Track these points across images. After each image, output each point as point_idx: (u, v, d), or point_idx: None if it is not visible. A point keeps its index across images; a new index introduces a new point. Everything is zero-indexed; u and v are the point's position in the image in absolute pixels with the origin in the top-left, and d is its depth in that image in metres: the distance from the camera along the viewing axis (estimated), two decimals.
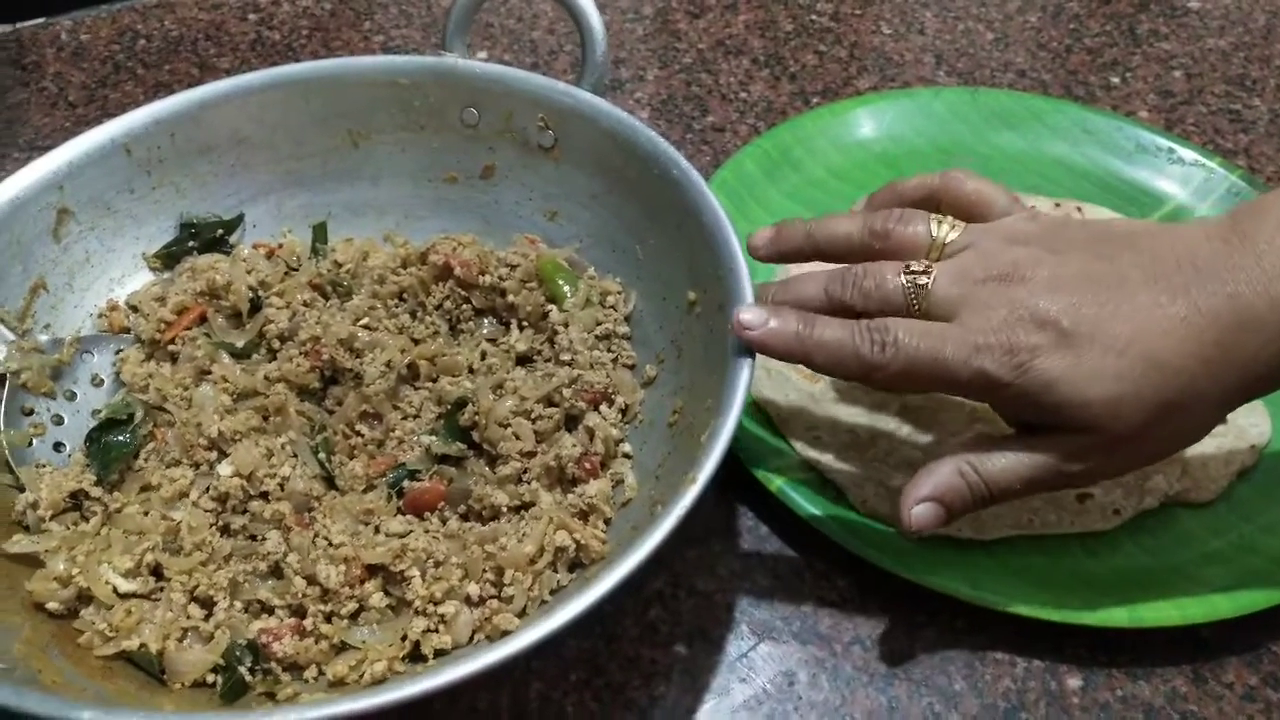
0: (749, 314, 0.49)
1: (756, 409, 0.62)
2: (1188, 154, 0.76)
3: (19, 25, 0.90)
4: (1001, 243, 0.49)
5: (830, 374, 0.51)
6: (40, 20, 0.91)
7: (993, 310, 0.46)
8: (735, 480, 0.59)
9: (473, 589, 0.49)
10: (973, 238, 0.50)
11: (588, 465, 0.53)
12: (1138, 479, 0.58)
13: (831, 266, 0.53)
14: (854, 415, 0.61)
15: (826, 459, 0.59)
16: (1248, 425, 0.61)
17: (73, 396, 0.58)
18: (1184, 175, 0.76)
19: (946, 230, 0.51)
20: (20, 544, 0.50)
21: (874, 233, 0.52)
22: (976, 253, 0.49)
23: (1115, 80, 0.88)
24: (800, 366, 0.61)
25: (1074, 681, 0.53)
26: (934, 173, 0.55)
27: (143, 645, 0.47)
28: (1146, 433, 0.46)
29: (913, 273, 0.49)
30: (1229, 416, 0.61)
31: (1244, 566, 0.55)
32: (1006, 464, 0.48)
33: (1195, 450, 0.60)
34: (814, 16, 0.93)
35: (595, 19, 0.62)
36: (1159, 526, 0.58)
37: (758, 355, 0.49)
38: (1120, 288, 0.46)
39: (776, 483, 0.57)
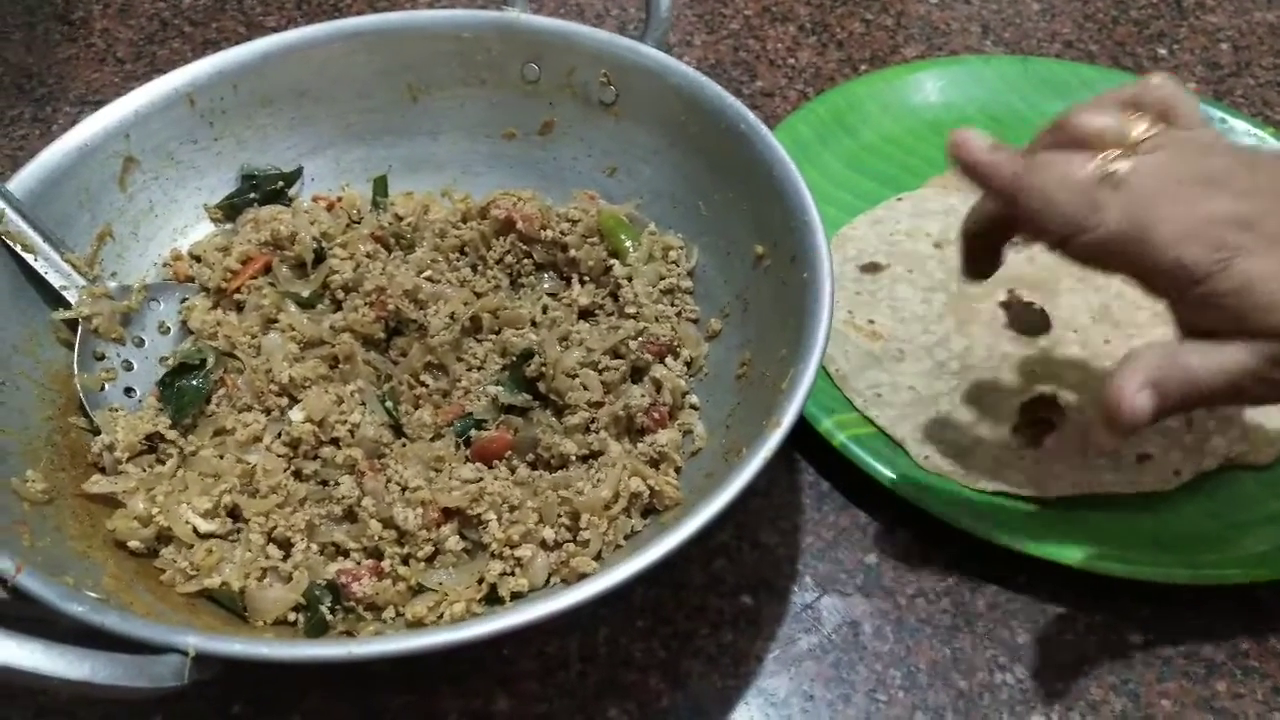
0: (971, 137, 0.48)
1: None
2: (1239, 124, 0.76)
3: None
4: (1198, 151, 0.47)
5: (1032, 225, 0.48)
6: None
7: (1195, 207, 0.45)
8: (797, 437, 0.59)
9: (548, 533, 0.49)
10: (1168, 141, 0.47)
11: (656, 415, 0.54)
12: (1197, 440, 0.59)
13: None
14: (915, 374, 0.61)
15: (888, 416, 0.59)
16: None
17: (141, 343, 0.58)
18: None
19: (1143, 128, 0.48)
20: (100, 484, 0.50)
21: (1059, 123, 0.49)
22: (1174, 154, 0.47)
23: (1162, 52, 0.88)
24: (860, 325, 0.62)
25: (1136, 637, 0.54)
26: (1139, 79, 0.51)
27: (224, 584, 0.48)
28: None
29: (1105, 159, 0.46)
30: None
31: None
32: (1214, 361, 0.45)
33: (1253, 414, 0.60)
34: None
35: None
36: (1218, 488, 0.58)
37: (833, 307, 0.49)
38: None
39: (839, 438, 0.57)
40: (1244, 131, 0.76)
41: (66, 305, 0.55)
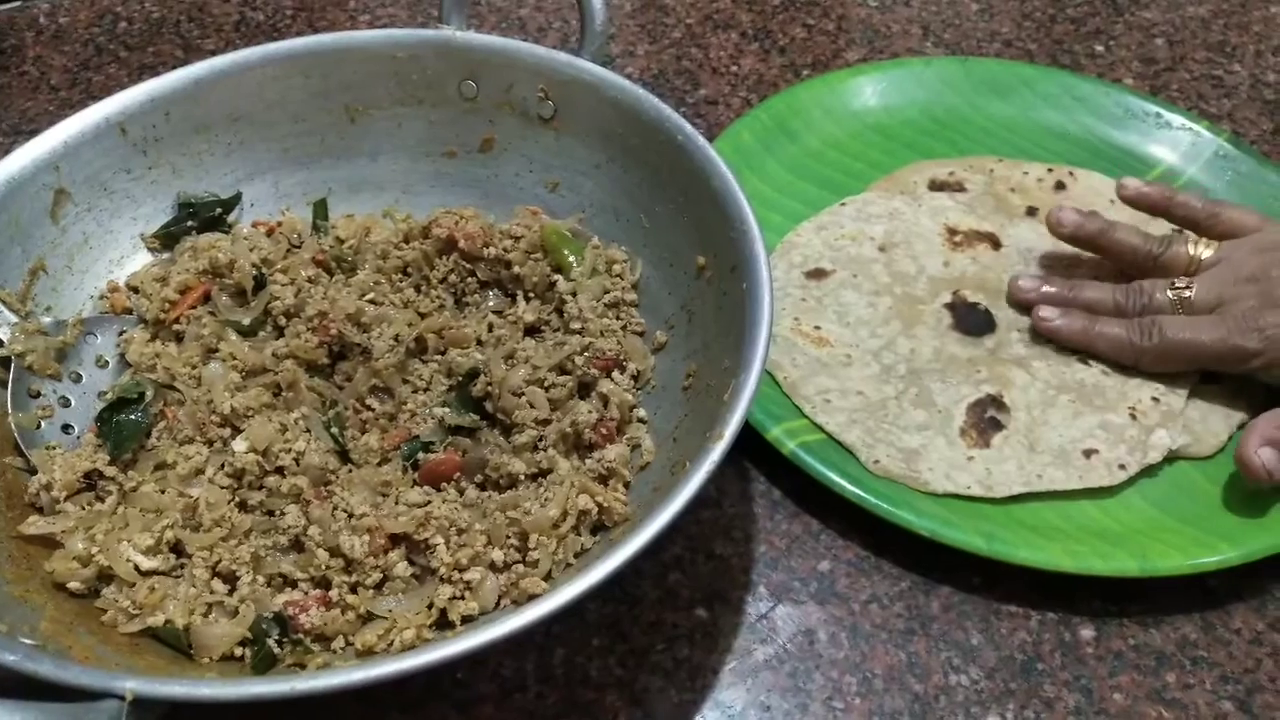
0: (1047, 311, 0.63)
1: (764, 375, 0.62)
2: (1175, 118, 0.77)
3: None
4: (1249, 252, 0.61)
5: (1107, 357, 0.62)
6: (16, 4, 0.89)
7: (1242, 302, 0.59)
8: (747, 446, 0.59)
9: (497, 555, 0.49)
10: (1225, 253, 0.62)
11: (604, 430, 0.53)
12: (1141, 434, 0.59)
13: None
14: (862, 379, 0.62)
15: (837, 421, 0.59)
16: (1243, 380, 0.62)
17: (78, 378, 0.57)
18: (1172, 139, 0.77)
19: (1203, 249, 0.63)
20: (37, 525, 0.49)
21: (1149, 254, 0.64)
22: (1228, 264, 0.62)
23: (1099, 48, 0.89)
24: (807, 331, 0.62)
25: (1087, 632, 0.54)
26: (1202, 201, 0.66)
27: (168, 621, 0.47)
28: None
29: (1177, 288, 0.62)
30: (1224, 374, 0.62)
31: (1248, 517, 0.57)
32: None
33: (1194, 407, 0.61)
34: None
35: None
36: (1164, 480, 0.59)
37: (773, 316, 0.49)
38: None
39: (789, 446, 0.57)
40: (1180, 125, 0.77)
41: None
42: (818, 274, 0.67)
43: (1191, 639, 0.54)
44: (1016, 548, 0.54)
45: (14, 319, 0.55)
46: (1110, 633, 0.54)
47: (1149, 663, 0.53)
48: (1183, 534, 0.56)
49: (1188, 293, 0.62)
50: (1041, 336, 0.64)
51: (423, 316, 0.60)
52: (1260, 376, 0.61)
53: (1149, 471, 0.59)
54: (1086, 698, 0.52)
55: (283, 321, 0.59)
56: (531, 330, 0.60)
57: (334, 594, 0.48)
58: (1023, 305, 0.65)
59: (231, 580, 0.49)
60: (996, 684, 0.52)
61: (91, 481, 0.52)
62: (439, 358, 0.58)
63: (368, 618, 0.48)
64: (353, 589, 0.48)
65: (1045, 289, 0.65)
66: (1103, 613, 0.55)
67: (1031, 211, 0.72)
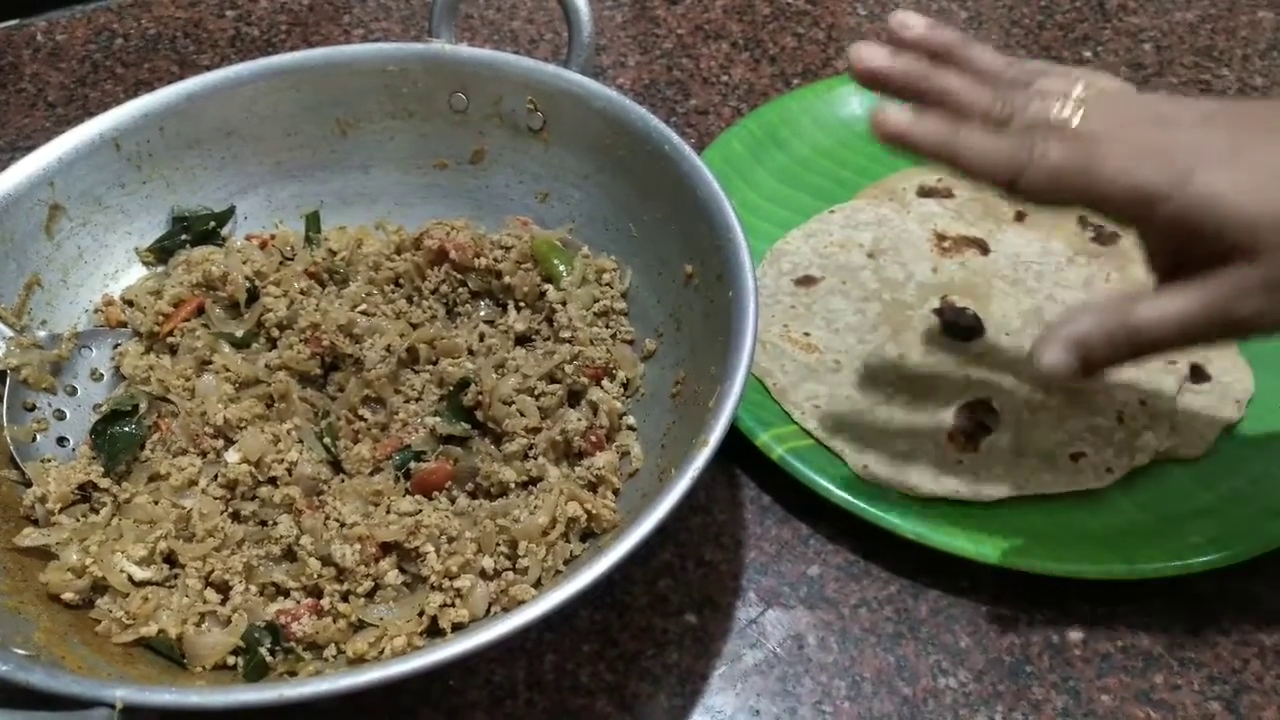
0: (894, 111, 0.46)
1: (753, 380, 0.63)
2: None
3: None
4: (1143, 101, 0.48)
5: (975, 175, 0.47)
6: (14, 22, 0.90)
7: (1149, 138, 0.44)
8: (736, 451, 0.59)
9: (487, 562, 0.49)
10: (1112, 93, 0.48)
11: (593, 438, 0.54)
12: (1129, 436, 0.60)
13: None
14: (851, 384, 0.62)
15: (826, 427, 0.60)
16: (1232, 382, 0.63)
17: (73, 391, 0.57)
18: None
19: (1081, 89, 0.47)
20: (32, 537, 0.50)
21: (1013, 80, 0.49)
22: (1121, 101, 0.47)
23: (1088, 54, 0.90)
24: (796, 338, 0.62)
25: (1075, 634, 0.54)
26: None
27: (161, 631, 0.47)
28: None
29: (1059, 114, 0.46)
30: (1212, 374, 0.63)
31: (1234, 518, 0.57)
32: (1160, 308, 0.45)
33: (1183, 408, 0.61)
34: (789, 0, 0.94)
35: (580, 0, 0.63)
36: (1151, 483, 0.59)
37: (758, 323, 0.50)
38: (1273, 131, 0.44)
39: (778, 451, 0.58)
40: None
41: None
42: (807, 281, 0.68)
43: (1179, 640, 0.54)
44: (1004, 551, 0.54)
45: (9, 333, 0.56)
46: (1099, 634, 0.54)
47: (1137, 664, 0.53)
48: (1170, 536, 0.56)
49: (1072, 117, 0.46)
50: (1028, 341, 0.64)
51: (414, 327, 0.60)
52: (1149, 244, 0.48)
53: (1136, 474, 0.59)
54: (1074, 699, 0.52)
55: (275, 333, 0.59)
56: (522, 339, 0.60)
57: (325, 603, 0.49)
58: (865, 82, 0.49)
59: (224, 590, 0.50)
60: (985, 686, 0.52)
61: (86, 493, 0.53)
62: (430, 368, 0.59)
63: (359, 626, 0.49)
64: (344, 597, 0.49)
65: (895, 63, 0.48)
66: (1091, 615, 0.55)
67: (1020, 217, 0.72)
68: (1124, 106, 0.47)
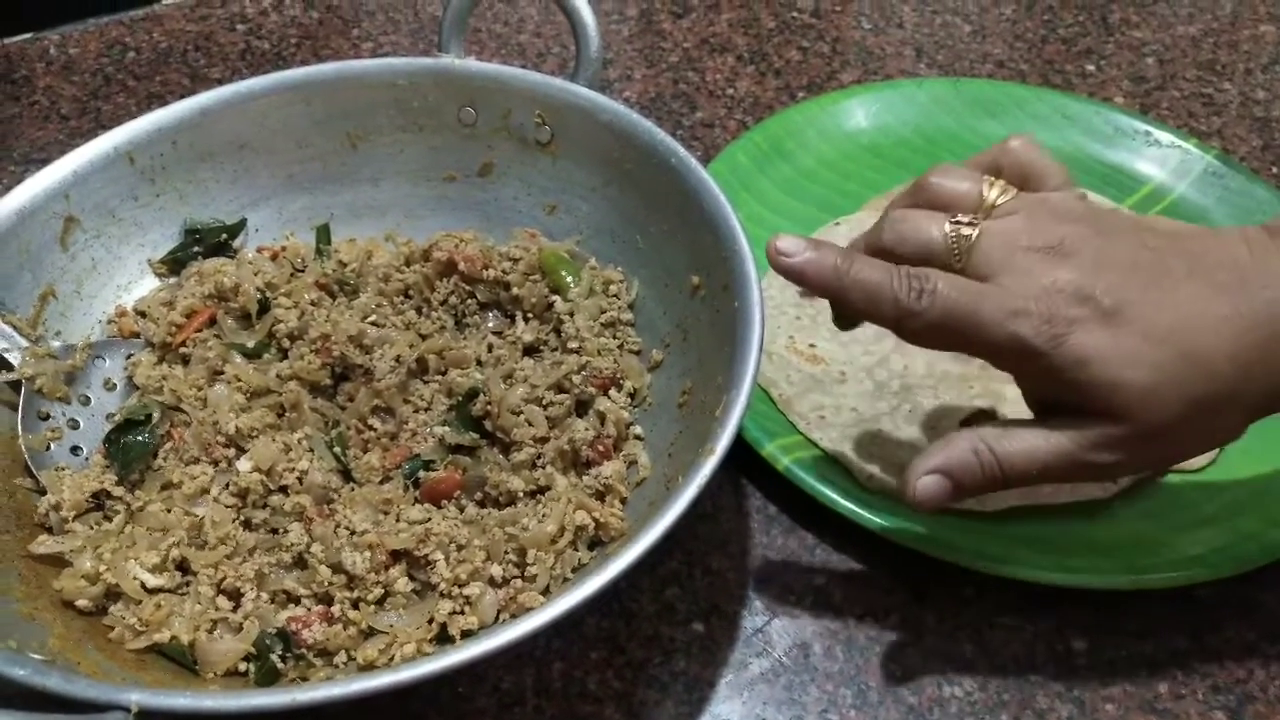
0: (787, 241, 0.48)
1: (759, 391, 0.63)
2: (1164, 136, 0.78)
3: (6, 41, 0.90)
4: (1050, 217, 0.47)
5: (863, 315, 0.49)
6: (27, 35, 0.91)
7: (1036, 278, 0.45)
8: (743, 461, 0.60)
9: (496, 570, 0.50)
10: (1022, 205, 0.49)
11: (601, 448, 0.54)
12: None
13: None
14: (856, 395, 0.63)
15: (831, 438, 0.60)
16: None
17: (87, 401, 0.58)
18: (1161, 157, 0.78)
19: (997, 193, 0.50)
20: (46, 545, 0.50)
21: (919, 185, 0.51)
22: (1025, 220, 0.47)
23: (1090, 68, 0.90)
24: (801, 349, 0.63)
25: (1080, 643, 0.55)
26: (999, 143, 0.54)
27: (174, 638, 0.48)
28: (1174, 429, 0.45)
29: (958, 224, 0.47)
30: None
31: (1237, 528, 0.57)
32: (1026, 445, 0.47)
33: None
34: (795, 13, 0.95)
35: (588, 14, 0.64)
36: (1155, 493, 0.60)
37: (763, 333, 0.50)
38: (1165, 278, 0.45)
39: (784, 462, 0.58)
40: (1169, 143, 0.78)
41: (9, 367, 0.56)
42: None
43: (1183, 649, 0.54)
44: (1009, 561, 0.55)
45: (25, 343, 0.56)
46: (1103, 643, 0.55)
47: (1141, 673, 0.54)
48: (1174, 546, 0.56)
49: (969, 231, 0.47)
50: None
51: (423, 338, 0.61)
52: (1025, 386, 0.50)
53: (1140, 484, 0.60)
54: (1079, 708, 0.52)
55: (286, 344, 0.60)
56: (530, 350, 0.61)
57: (336, 610, 0.49)
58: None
59: (236, 597, 0.50)
60: (990, 695, 0.53)
61: (99, 501, 0.54)
62: (439, 378, 0.59)
63: (369, 633, 0.49)
64: (354, 605, 0.49)
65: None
66: (1095, 624, 0.55)
67: None
68: (1028, 224, 0.47)
